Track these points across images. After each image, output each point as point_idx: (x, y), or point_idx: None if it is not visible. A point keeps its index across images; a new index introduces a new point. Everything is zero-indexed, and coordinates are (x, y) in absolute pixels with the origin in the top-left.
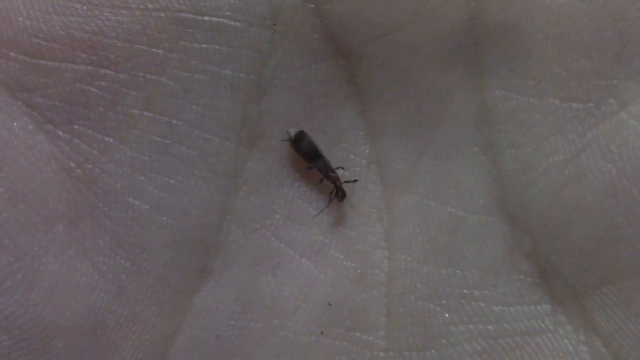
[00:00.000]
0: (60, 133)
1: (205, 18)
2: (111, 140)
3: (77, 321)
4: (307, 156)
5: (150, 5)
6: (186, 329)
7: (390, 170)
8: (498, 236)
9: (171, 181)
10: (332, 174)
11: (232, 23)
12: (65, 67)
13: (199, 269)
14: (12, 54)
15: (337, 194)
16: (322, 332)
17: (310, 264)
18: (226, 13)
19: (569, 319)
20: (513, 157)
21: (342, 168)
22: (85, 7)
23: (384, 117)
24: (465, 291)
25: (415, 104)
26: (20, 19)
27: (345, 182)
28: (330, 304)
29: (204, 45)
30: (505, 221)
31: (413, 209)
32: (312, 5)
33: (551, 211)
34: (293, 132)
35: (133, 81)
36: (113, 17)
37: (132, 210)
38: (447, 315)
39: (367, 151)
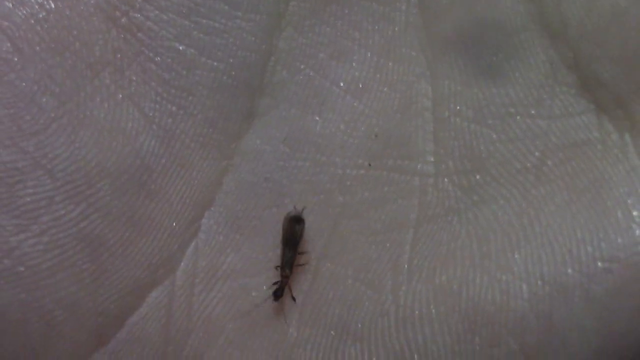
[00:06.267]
0: None
1: None
2: None
3: (123, 165)
4: (287, 236)
5: None
6: (234, 172)
7: None
8: (538, 51)
9: (216, 24)
10: (287, 271)
11: None
12: None
13: (246, 111)
14: None
15: (276, 291)
16: (369, 164)
17: (355, 99)
18: None
19: (615, 127)
20: None
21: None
22: None
23: None
24: (510, 109)
25: None
26: None
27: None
28: (376, 135)
29: None
30: (544, 35)
31: (454, 37)
32: None
33: (588, 20)
34: (297, 210)
35: None
36: None
37: (178, 55)
38: (494, 135)
39: None
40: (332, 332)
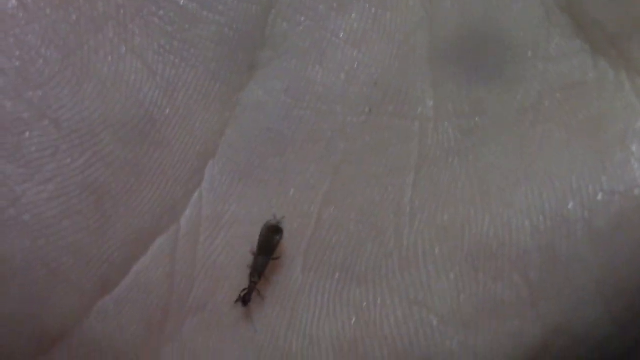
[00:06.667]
0: None
1: None
2: None
3: (127, 115)
4: (263, 244)
5: None
6: (236, 123)
7: None
8: None
9: None
10: (256, 277)
11: None
12: None
13: (248, 63)
14: None
15: (245, 297)
16: (370, 110)
17: (355, 49)
18: None
19: (611, 66)
20: None
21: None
22: None
23: None
24: (508, 52)
25: None
26: None
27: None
28: (376, 84)
29: None
30: None
31: None
32: None
33: None
34: (276, 221)
35: None
36: None
37: (180, 9)
38: (489, 79)
39: None
40: (336, 276)
